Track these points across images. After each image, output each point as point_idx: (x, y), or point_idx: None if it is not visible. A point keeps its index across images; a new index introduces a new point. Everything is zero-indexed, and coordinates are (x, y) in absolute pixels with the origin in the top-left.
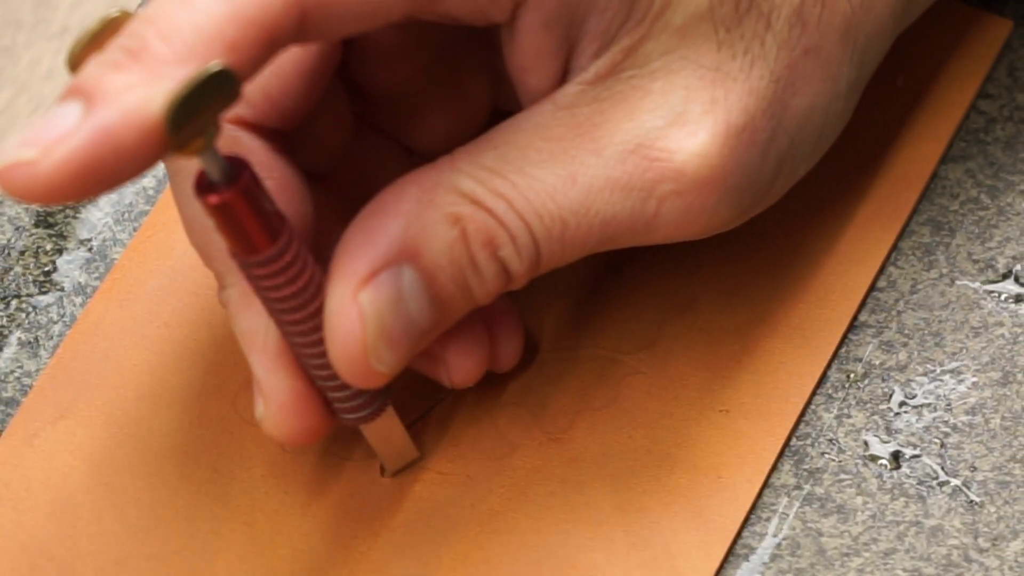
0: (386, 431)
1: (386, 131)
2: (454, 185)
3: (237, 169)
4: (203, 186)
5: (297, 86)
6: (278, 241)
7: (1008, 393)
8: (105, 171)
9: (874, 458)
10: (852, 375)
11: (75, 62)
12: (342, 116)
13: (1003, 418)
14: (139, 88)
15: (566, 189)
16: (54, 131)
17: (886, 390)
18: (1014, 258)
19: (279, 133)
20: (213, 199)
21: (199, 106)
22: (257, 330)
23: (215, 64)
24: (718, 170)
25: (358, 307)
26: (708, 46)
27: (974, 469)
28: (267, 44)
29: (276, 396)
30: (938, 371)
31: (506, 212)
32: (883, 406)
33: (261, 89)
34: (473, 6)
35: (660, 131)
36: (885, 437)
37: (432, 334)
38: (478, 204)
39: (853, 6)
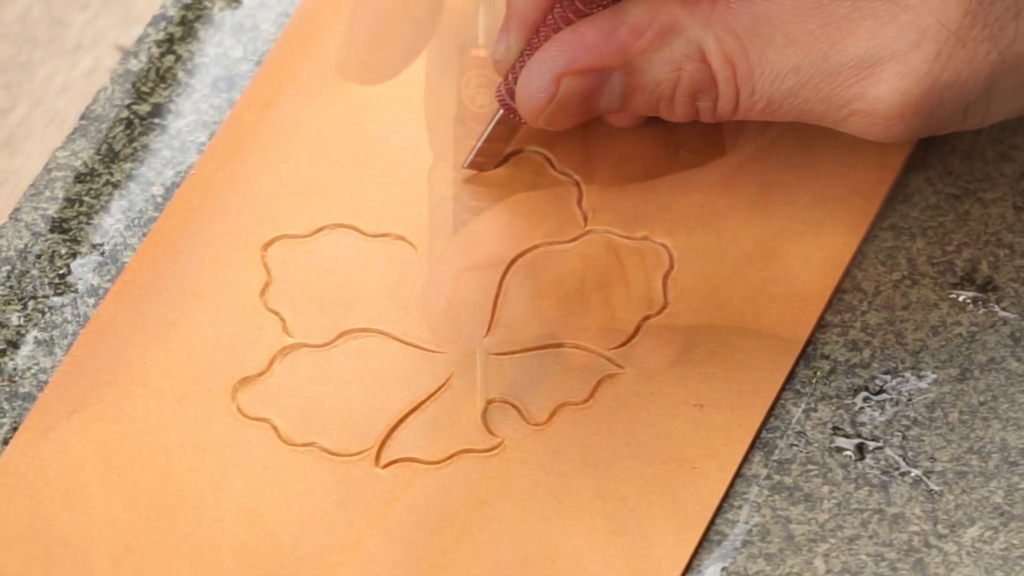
0: (506, 134)
1: None
2: (696, 40)
3: None
4: None
5: None
6: None
7: (965, 388)
8: None
9: (839, 450)
10: (819, 371)
11: None
12: None
13: (961, 412)
14: None
15: (786, 77)
16: None
17: (851, 386)
18: (971, 261)
19: None
20: None
21: None
22: (530, 6)
23: None
24: (908, 112)
25: (555, 88)
26: (958, 9)
27: (933, 460)
28: None
29: (511, 55)
30: (900, 368)
31: (726, 80)
32: (848, 401)
33: None
34: None
35: (882, 59)
36: (850, 430)
37: (606, 114)
38: (706, 63)
39: None
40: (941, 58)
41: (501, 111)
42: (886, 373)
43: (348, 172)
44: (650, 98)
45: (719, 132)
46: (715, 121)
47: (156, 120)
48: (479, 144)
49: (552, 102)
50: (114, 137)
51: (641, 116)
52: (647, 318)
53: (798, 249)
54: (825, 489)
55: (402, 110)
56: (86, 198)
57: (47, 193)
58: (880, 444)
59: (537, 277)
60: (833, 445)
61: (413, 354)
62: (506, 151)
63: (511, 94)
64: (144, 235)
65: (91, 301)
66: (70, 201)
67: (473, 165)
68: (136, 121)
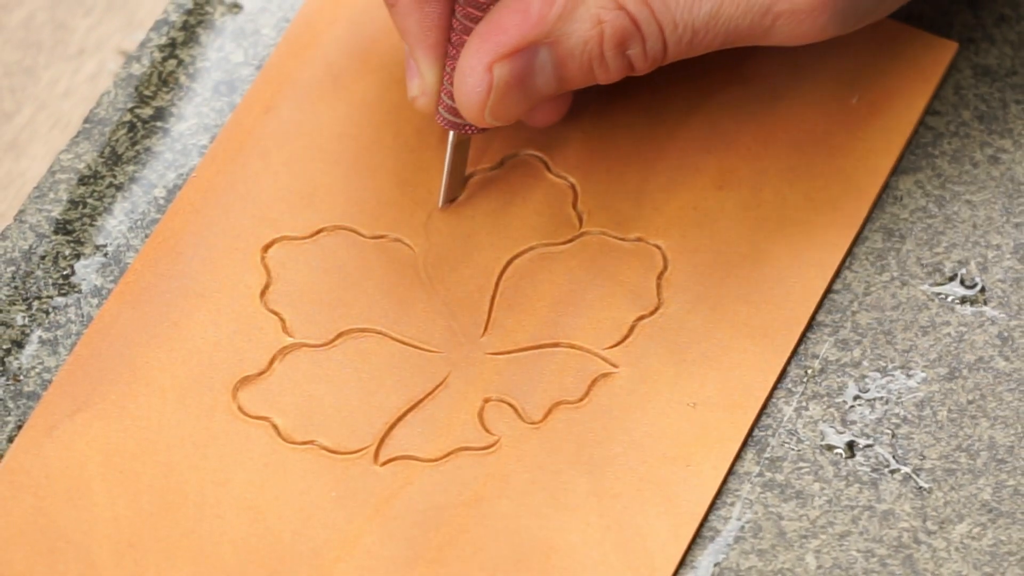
0: (463, 156)
1: None
2: None
3: None
4: None
5: None
6: None
7: (954, 387)
8: None
9: (830, 447)
10: (810, 371)
11: None
12: None
13: (949, 410)
14: None
15: (702, 1)
16: None
17: (841, 384)
18: (959, 262)
19: None
20: None
21: None
22: (428, 29)
23: None
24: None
25: (490, 77)
26: None
27: (923, 457)
28: None
29: (429, 82)
30: (889, 367)
31: (646, 20)
32: (839, 399)
33: None
34: None
35: None
36: (840, 428)
37: (548, 99)
38: (623, 9)
39: None
40: None
41: (452, 138)
42: (876, 372)
43: (346, 175)
44: (581, 62)
45: (713, 136)
46: (650, 68)
47: (158, 123)
48: (445, 179)
49: (490, 93)
50: (117, 140)
51: (562, 108)
52: (641, 318)
53: (789, 250)
54: (816, 486)
55: (399, 114)
56: (89, 200)
57: (51, 195)
58: (870, 442)
59: (533, 278)
60: (824, 443)
61: (411, 354)
62: (466, 171)
63: (451, 111)
64: (146, 236)
65: (94, 301)
66: (74, 203)
67: (446, 200)
68: (139, 124)
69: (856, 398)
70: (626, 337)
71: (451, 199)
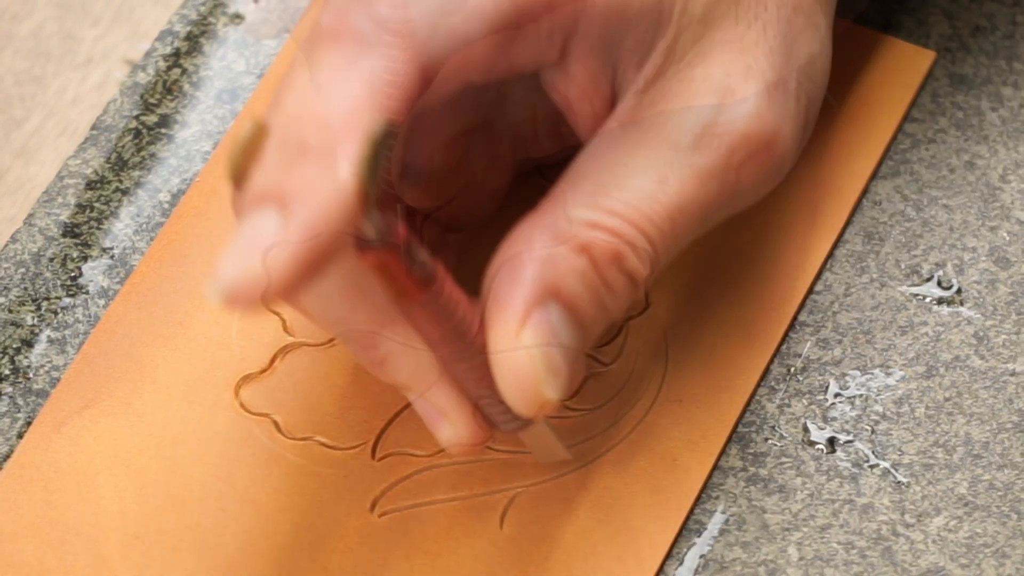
0: (539, 434)
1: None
2: (571, 218)
3: (392, 226)
4: (362, 246)
5: None
6: (433, 286)
7: (931, 385)
8: (323, 258)
9: (812, 443)
10: (792, 369)
11: (238, 174)
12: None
13: (927, 407)
14: (322, 176)
15: (662, 189)
16: (263, 241)
17: (822, 382)
18: (936, 264)
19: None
20: (376, 256)
21: (376, 164)
22: (429, 370)
23: (380, 123)
24: (774, 124)
25: (529, 356)
26: (728, 23)
27: (901, 453)
28: (407, 107)
29: (463, 418)
30: (869, 365)
31: (622, 226)
32: (820, 397)
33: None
34: (533, 52)
35: (716, 108)
36: (822, 424)
37: (580, 357)
38: (597, 226)
39: None
40: (751, 66)
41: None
42: (856, 370)
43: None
44: (591, 295)
45: None
46: (650, 279)
47: (163, 130)
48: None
49: (533, 364)
50: (123, 146)
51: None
52: (630, 318)
53: (773, 253)
54: (798, 481)
55: None
56: (96, 204)
57: (60, 199)
58: (850, 438)
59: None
60: (805, 439)
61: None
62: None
63: (495, 413)
64: (152, 239)
65: (101, 302)
66: (81, 207)
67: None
68: (144, 131)
69: (837, 395)
70: (615, 336)
71: None
